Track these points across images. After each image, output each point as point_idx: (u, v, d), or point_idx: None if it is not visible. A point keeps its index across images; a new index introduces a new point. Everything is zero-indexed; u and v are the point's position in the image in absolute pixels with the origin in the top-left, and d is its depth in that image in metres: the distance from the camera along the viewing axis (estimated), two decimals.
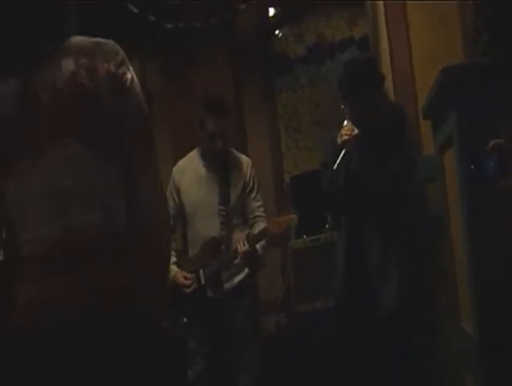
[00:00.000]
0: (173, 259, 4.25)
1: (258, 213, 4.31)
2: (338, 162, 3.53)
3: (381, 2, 4.31)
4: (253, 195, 4.30)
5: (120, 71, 1.89)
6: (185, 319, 4.14)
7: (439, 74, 2.48)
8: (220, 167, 4.27)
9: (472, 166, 2.30)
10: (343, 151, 3.54)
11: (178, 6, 6.12)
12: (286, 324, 5.73)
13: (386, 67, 4.23)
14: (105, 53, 1.90)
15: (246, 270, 4.23)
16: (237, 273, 4.24)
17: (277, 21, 6.72)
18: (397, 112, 3.68)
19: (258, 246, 4.17)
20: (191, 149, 4.43)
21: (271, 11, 6.70)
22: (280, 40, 6.75)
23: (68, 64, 1.85)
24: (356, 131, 3.59)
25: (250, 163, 4.36)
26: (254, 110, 6.65)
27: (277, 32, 6.75)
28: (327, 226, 5.04)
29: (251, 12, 6.35)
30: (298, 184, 5.94)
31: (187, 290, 4.18)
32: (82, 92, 1.83)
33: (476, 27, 2.89)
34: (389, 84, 4.07)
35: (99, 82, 1.85)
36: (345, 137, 3.57)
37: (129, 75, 1.90)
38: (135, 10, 5.62)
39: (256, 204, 4.31)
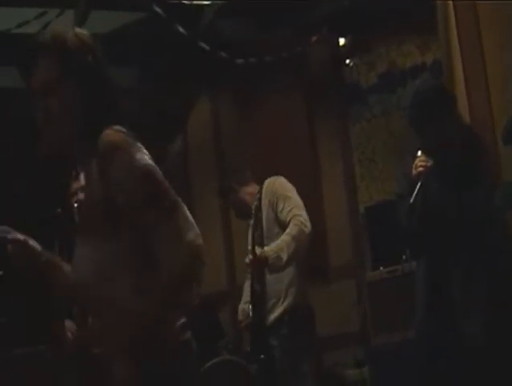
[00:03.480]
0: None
1: (289, 217, 4.32)
2: (415, 194, 3.44)
3: (454, 25, 4.24)
4: (281, 206, 4.34)
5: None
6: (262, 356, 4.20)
7: None
8: (248, 215, 4.50)
9: None
10: (419, 183, 3.46)
11: (249, 42, 6.17)
12: (363, 357, 5.63)
13: (460, 92, 4.14)
14: None
15: (286, 302, 4.25)
16: (277, 306, 4.30)
17: (347, 51, 6.69)
18: (472, 137, 3.57)
19: (275, 248, 4.21)
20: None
21: (341, 41, 6.68)
22: (351, 70, 6.72)
23: None
24: (430, 161, 3.51)
25: (272, 181, 4.48)
26: (328, 141, 6.62)
27: (348, 62, 6.72)
28: (403, 257, 4.95)
29: (322, 43, 6.35)
30: (373, 214, 5.86)
31: (242, 326, 4.44)
32: None
33: None
34: (464, 108, 3.98)
35: None
36: (420, 169, 3.48)
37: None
38: (207, 48, 5.68)
39: (285, 213, 4.33)
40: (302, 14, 6.09)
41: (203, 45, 5.56)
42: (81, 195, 4.33)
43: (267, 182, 4.48)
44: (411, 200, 3.43)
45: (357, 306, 5.72)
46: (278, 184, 4.44)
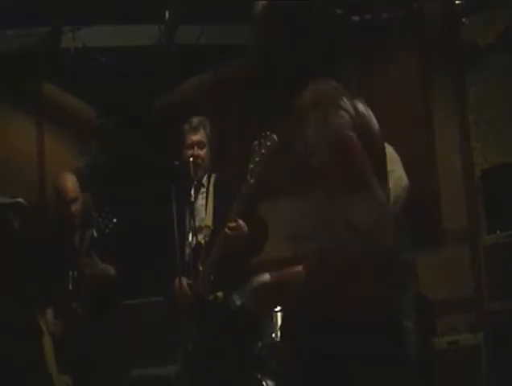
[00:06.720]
0: None
1: None
2: None
3: None
4: None
5: None
6: None
7: None
8: None
9: None
10: None
11: None
12: (477, 323, 5.51)
13: None
14: None
15: None
16: None
17: (464, 8, 6.47)
18: None
19: None
20: None
21: None
22: (468, 28, 6.49)
23: None
24: None
25: None
26: (443, 102, 6.45)
27: (464, 20, 6.50)
28: None
29: (438, 1, 6.17)
30: (490, 177, 5.71)
31: None
32: None
33: None
34: None
35: None
36: None
37: None
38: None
39: None
40: None
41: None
42: (197, 151, 4.38)
43: None
44: None
45: (472, 271, 5.58)
46: None
